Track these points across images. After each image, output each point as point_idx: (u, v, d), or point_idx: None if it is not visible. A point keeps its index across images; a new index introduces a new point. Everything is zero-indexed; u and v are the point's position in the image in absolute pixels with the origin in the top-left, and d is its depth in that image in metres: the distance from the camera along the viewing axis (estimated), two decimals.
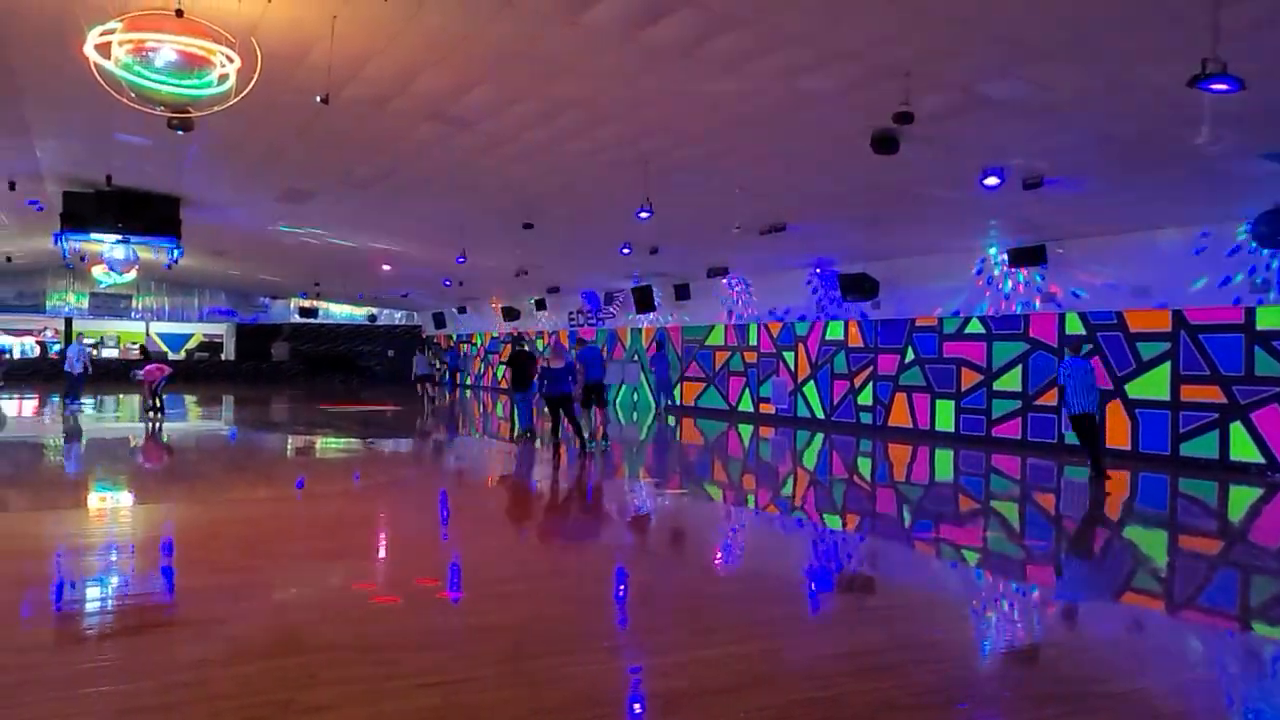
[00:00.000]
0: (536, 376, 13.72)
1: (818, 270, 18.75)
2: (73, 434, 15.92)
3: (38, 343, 35.54)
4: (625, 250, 17.14)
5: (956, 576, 6.96)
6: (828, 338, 18.70)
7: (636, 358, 24.75)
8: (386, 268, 24.57)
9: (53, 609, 5.27)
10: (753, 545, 7.99)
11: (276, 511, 8.76)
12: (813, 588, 6.32)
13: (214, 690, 3.90)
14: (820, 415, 18.71)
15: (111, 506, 9.08)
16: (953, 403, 16.16)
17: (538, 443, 14.52)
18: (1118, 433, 13.44)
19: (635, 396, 24.69)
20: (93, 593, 5.60)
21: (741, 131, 10.04)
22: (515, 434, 15.51)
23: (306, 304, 35.99)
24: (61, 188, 16.34)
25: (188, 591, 5.61)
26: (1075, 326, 14.14)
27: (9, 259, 27.92)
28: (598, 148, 11.04)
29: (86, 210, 16.34)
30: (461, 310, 33.70)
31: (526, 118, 10.16)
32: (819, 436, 16.80)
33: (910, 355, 16.95)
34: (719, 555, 7.49)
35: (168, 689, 3.91)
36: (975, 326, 15.79)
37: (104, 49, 6.39)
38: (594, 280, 24.84)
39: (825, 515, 9.30)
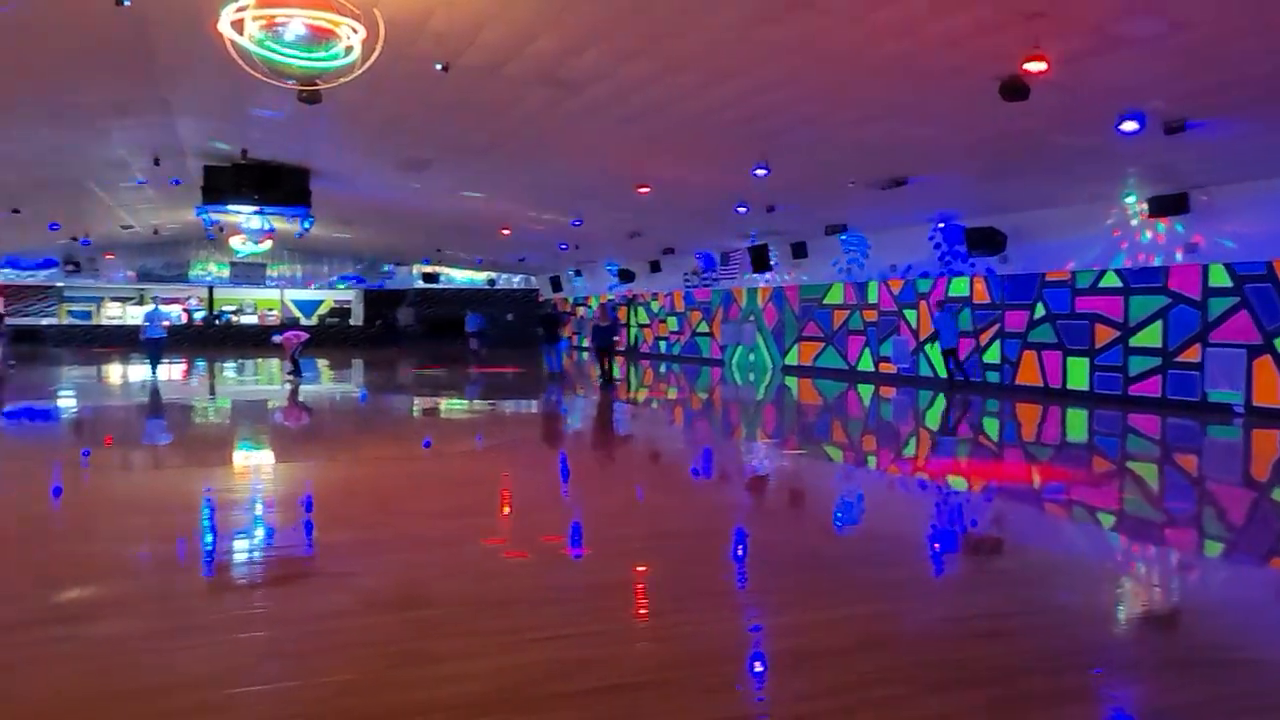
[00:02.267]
0: (587, 332, 19.16)
1: (941, 225, 18.16)
2: (207, 398, 16.85)
3: (184, 310, 37.67)
4: (741, 209, 16.96)
5: (1089, 539, 6.70)
6: (951, 294, 18.14)
7: (753, 318, 24.56)
8: (505, 232, 25.00)
9: (204, 559, 5.62)
10: (872, 506, 7.87)
11: (406, 470, 9.10)
12: (936, 549, 6.19)
13: (349, 639, 4.10)
14: (944, 375, 18.22)
15: (255, 464, 9.59)
16: (1086, 360, 15.48)
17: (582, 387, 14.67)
18: (1267, 389, 12.65)
19: (752, 357, 24.54)
20: (240, 545, 5.94)
21: (862, 83, 9.75)
22: (595, 380, 18.56)
23: (429, 270, 37.06)
24: (202, 162, 17.19)
25: (326, 545, 5.89)
26: (1220, 278, 13.31)
27: (156, 231, 29.60)
28: (713, 106, 10.91)
29: (225, 183, 17.16)
30: (577, 273, 34.07)
31: (640, 78, 10.11)
32: (941, 397, 16.37)
33: (1040, 311, 16.30)
34: (838, 515, 7.41)
35: (306, 636, 4.13)
36: (1111, 280, 15.05)
37: (238, 25, 6.64)
38: (709, 240, 24.71)
39: (948, 476, 9.08)
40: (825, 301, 21.78)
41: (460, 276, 38.90)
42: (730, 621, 4.50)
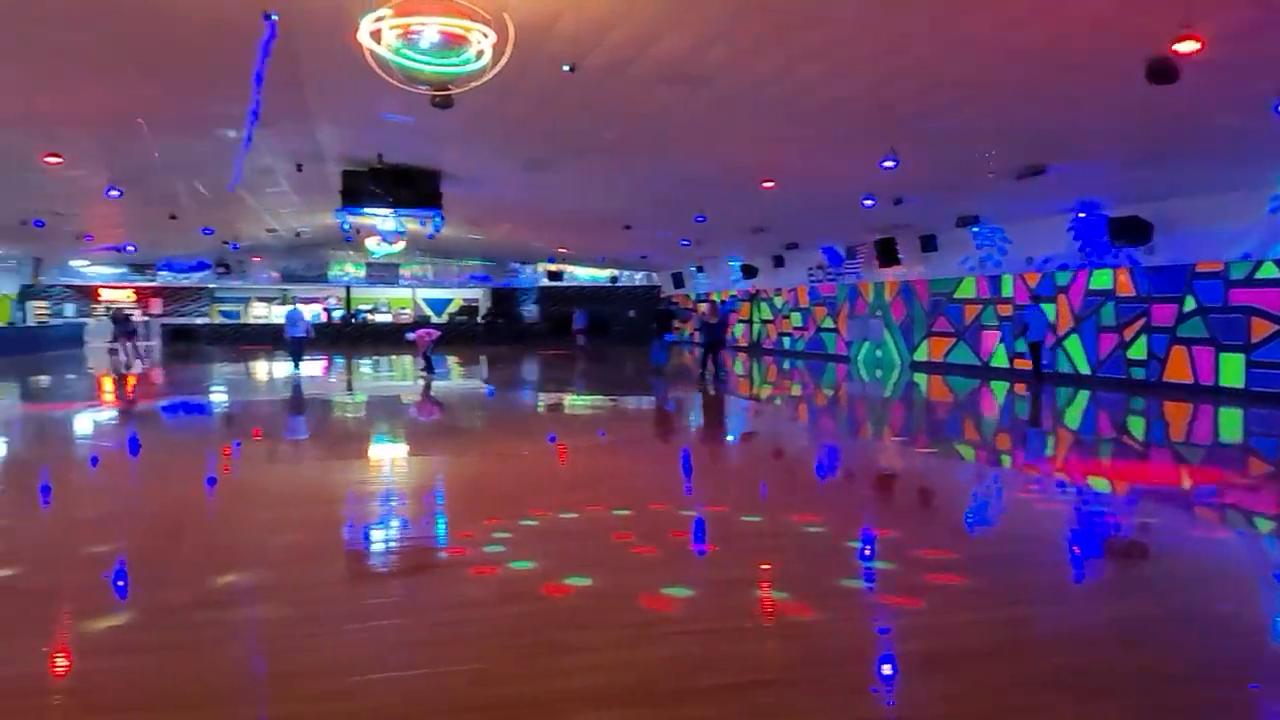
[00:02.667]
0: (693, 328, 20.98)
1: (1081, 215, 17.36)
2: (345, 394, 17.57)
3: (323, 309, 39.44)
4: (868, 202, 16.61)
5: (1245, 545, 6.29)
6: (1093, 287, 17.33)
7: (879, 313, 24.04)
8: (627, 228, 25.20)
9: (343, 549, 5.87)
10: (1007, 506, 7.59)
11: (535, 464, 9.28)
12: (1076, 552, 5.92)
13: (480, 629, 4.21)
14: (1085, 370, 17.41)
15: (391, 457, 9.95)
16: (1242, 356, 14.54)
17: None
18: None
19: (879, 353, 24.03)
20: (377, 535, 6.18)
21: (1000, 68, 9.41)
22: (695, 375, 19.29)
23: (553, 268, 37.73)
24: (340, 167, 17.95)
25: (459, 537, 6.06)
26: None
27: (298, 234, 31.08)
28: (840, 97, 10.71)
29: (361, 187, 17.86)
30: (699, 269, 34.05)
31: (766, 72, 10.01)
32: (1083, 394, 15.65)
33: (1190, 304, 15.39)
34: (970, 516, 7.18)
35: (440, 626, 4.26)
36: (1269, 271, 14.09)
37: (375, 35, 6.90)
38: (834, 234, 24.30)
39: (1090, 477, 8.67)
40: (956, 295, 21.13)
41: (583, 274, 39.44)
42: (859, 621, 4.42)
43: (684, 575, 5.10)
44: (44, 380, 19.60)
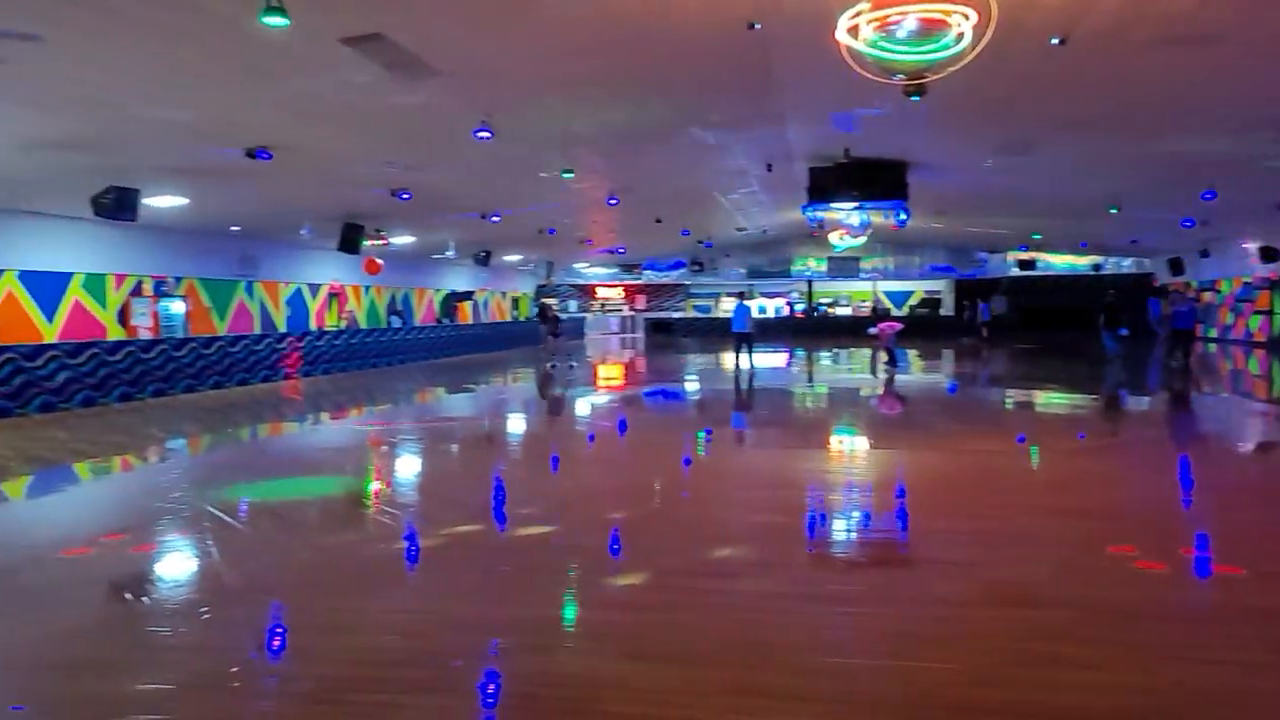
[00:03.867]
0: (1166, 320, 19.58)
1: None
2: (805, 385, 18.03)
3: (785, 303, 40.97)
4: None
5: None
6: None
7: None
8: (1114, 209, 22.84)
9: (823, 534, 6.04)
10: None
11: (1005, 463, 8.80)
12: None
13: (966, 628, 4.08)
14: None
15: (856, 448, 10.04)
16: None
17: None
18: None
19: None
20: (853, 524, 6.27)
21: None
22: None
23: (1025, 256, 35.37)
24: (807, 164, 18.48)
25: (934, 531, 5.93)
26: None
27: (764, 232, 32.57)
28: None
29: (828, 183, 18.23)
30: (1204, 254, 29.79)
31: None
32: None
33: None
34: None
35: (925, 620, 4.20)
36: None
37: (853, 31, 6.99)
38: None
39: None
40: None
41: (1059, 262, 36.49)
42: None
43: (1193, 597, 4.52)
44: (550, 369, 22.75)
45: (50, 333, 17.40)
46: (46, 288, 17.58)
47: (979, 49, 7.05)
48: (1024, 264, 35.61)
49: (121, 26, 8.00)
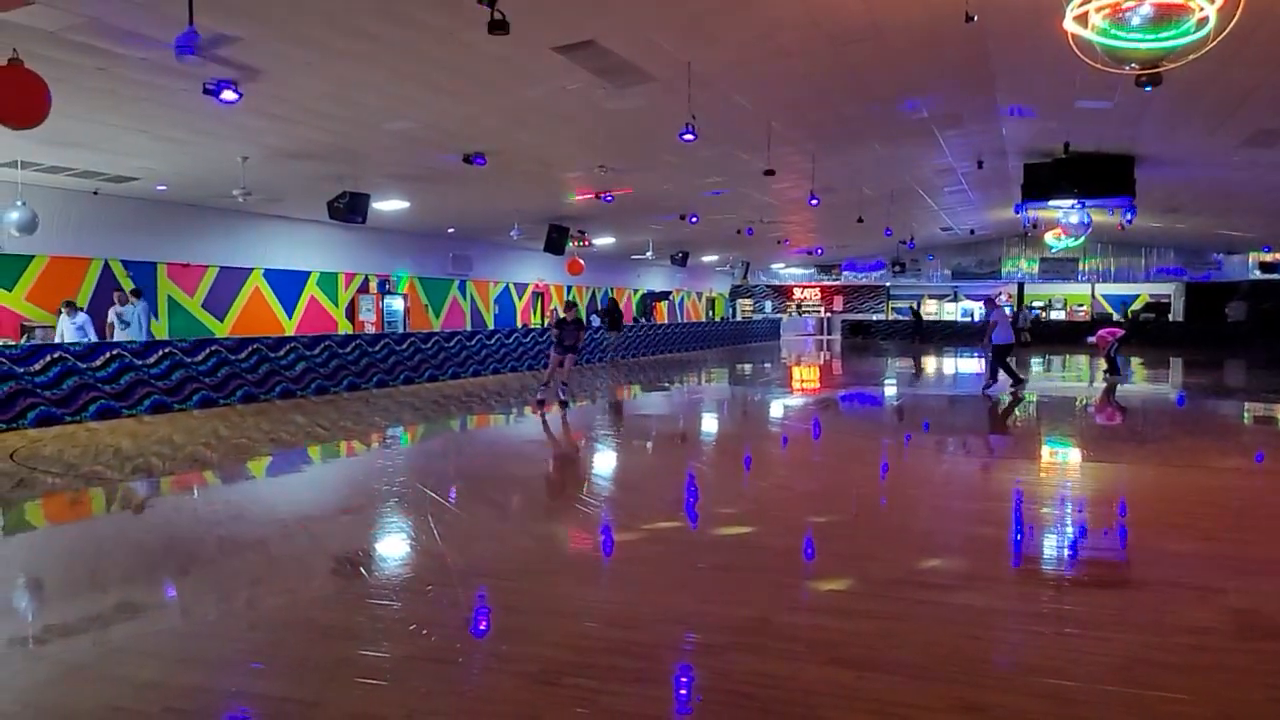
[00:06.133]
0: None
1: None
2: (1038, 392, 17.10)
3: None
4: None
5: None
6: None
7: None
8: None
9: (1041, 549, 5.74)
10: None
11: (1248, 483, 8.06)
12: None
13: (1216, 659, 3.78)
14: None
15: (1075, 461, 9.46)
16: None
17: None
18: None
19: None
20: (1074, 540, 5.91)
21: None
22: None
23: (1269, 258, 32.16)
24: (1022, 160, 17.57)
25: (1172, 553, 5.48)
26: None
27: (972, 232, 31.19)
28: None
29: (1044, 179, 17.27)
30: None
31: None
32: None
33: None
34: None
35: (1169, 648, 3.90)
36: None
37: (1080, 19, 6.61)
38: None
39: None
40: None
41: None
42: None
43: None
44: (746, 368, 22.70)
45: (290, 326, 19.07)
46: (287, 285, 19.27)
47: (1225, 32, 6.50)
48: (1267, 266, 32.37)
49: (360, 44, 8.66)
